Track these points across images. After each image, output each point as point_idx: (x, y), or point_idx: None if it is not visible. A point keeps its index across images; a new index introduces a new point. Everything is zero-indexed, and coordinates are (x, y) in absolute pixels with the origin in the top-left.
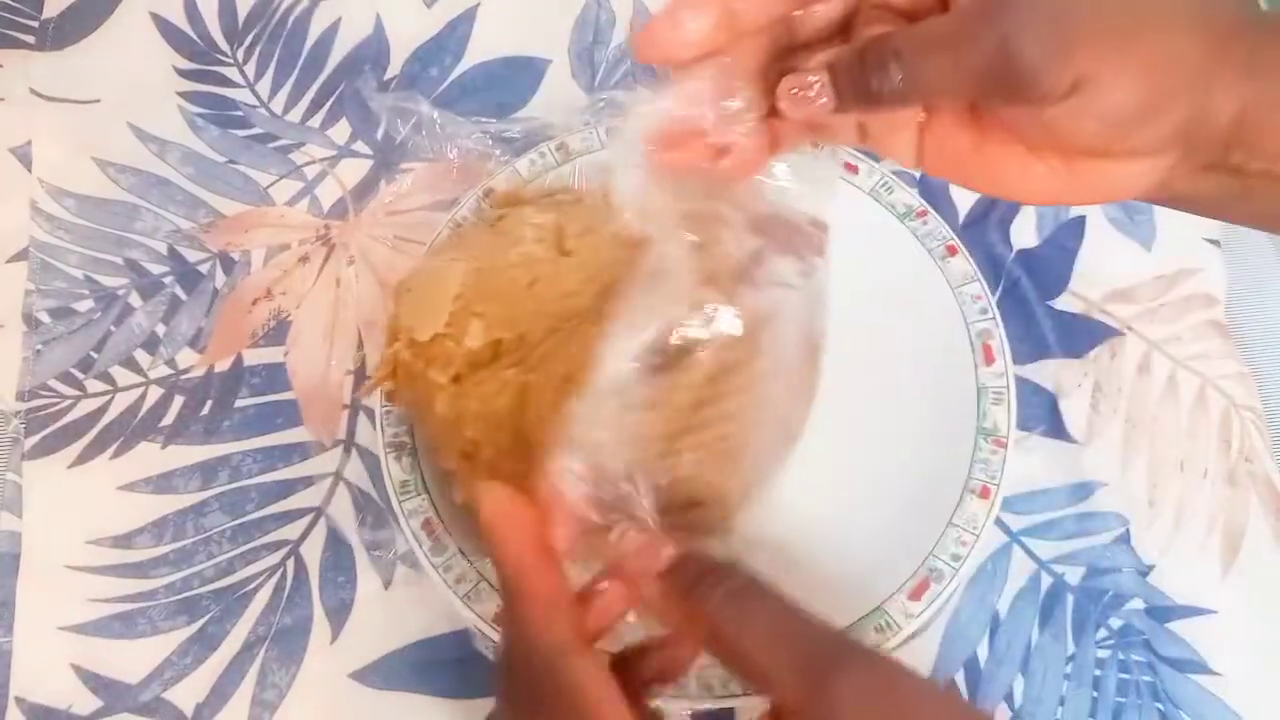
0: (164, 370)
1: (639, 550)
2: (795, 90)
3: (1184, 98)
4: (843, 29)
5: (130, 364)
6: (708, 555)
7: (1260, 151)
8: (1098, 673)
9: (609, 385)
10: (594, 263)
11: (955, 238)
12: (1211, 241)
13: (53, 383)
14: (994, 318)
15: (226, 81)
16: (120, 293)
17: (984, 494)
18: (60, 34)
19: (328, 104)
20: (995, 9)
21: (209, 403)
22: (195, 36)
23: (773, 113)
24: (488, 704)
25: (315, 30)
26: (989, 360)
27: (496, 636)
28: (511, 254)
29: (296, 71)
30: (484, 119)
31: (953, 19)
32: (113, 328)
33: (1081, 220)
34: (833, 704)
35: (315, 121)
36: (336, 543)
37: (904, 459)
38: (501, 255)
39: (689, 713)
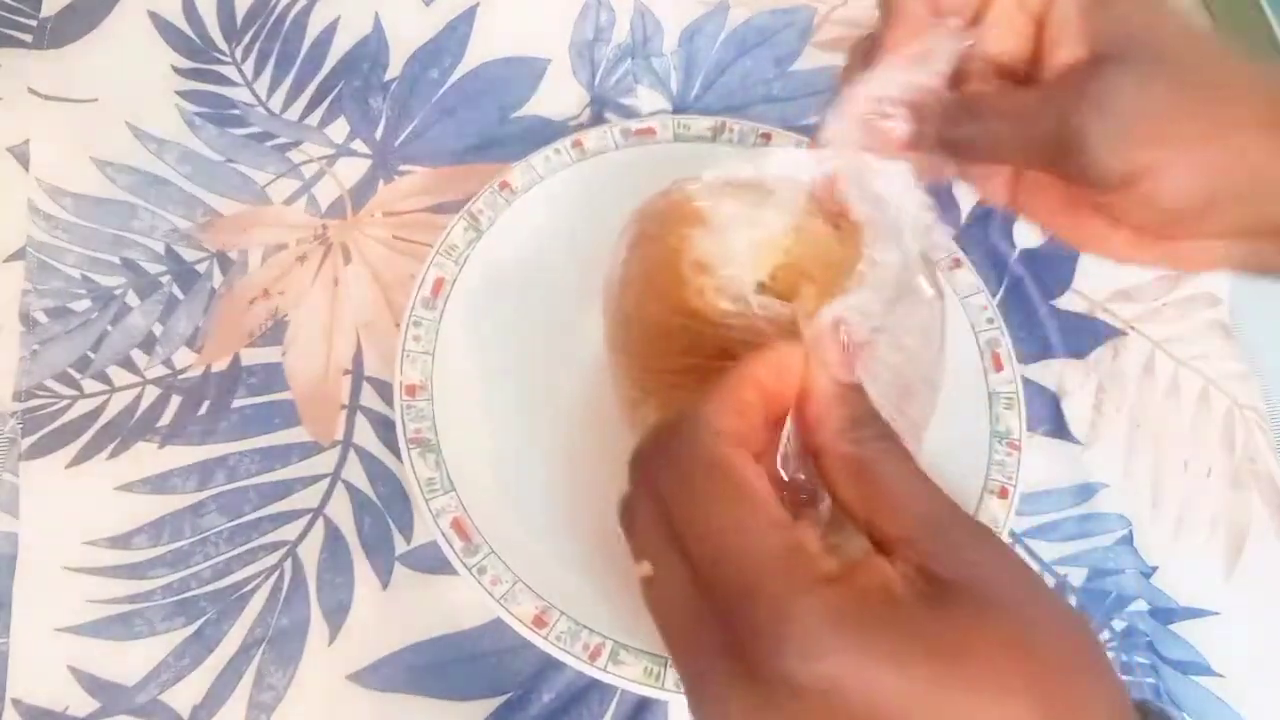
0: (161, 370)
1: (840, 358)
2: (874, 117)
3: (1246, 199)
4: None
5: (127, 364)
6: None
7: None
8: None
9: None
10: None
11: (960, 251)
12: None
13: (50, 383)
14: (1000, 327)
15: (224, 80)
16: (117, 292)
17: (1003, 494)
18: (58, 33)
19: (326, 102)
20: (1072, 96)
21: (206, 403)
22: (193, 35)
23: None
24: (487, 705)
25: (313, 29)
26: (998, 367)
27: (534, 636)
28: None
29: (295, 70)
30: None
31: (1034, 96)
32: (110, 327)
33: None
34: (967, 568)
35: (313, 120)
36: (334, 544)
37: (926, 464)
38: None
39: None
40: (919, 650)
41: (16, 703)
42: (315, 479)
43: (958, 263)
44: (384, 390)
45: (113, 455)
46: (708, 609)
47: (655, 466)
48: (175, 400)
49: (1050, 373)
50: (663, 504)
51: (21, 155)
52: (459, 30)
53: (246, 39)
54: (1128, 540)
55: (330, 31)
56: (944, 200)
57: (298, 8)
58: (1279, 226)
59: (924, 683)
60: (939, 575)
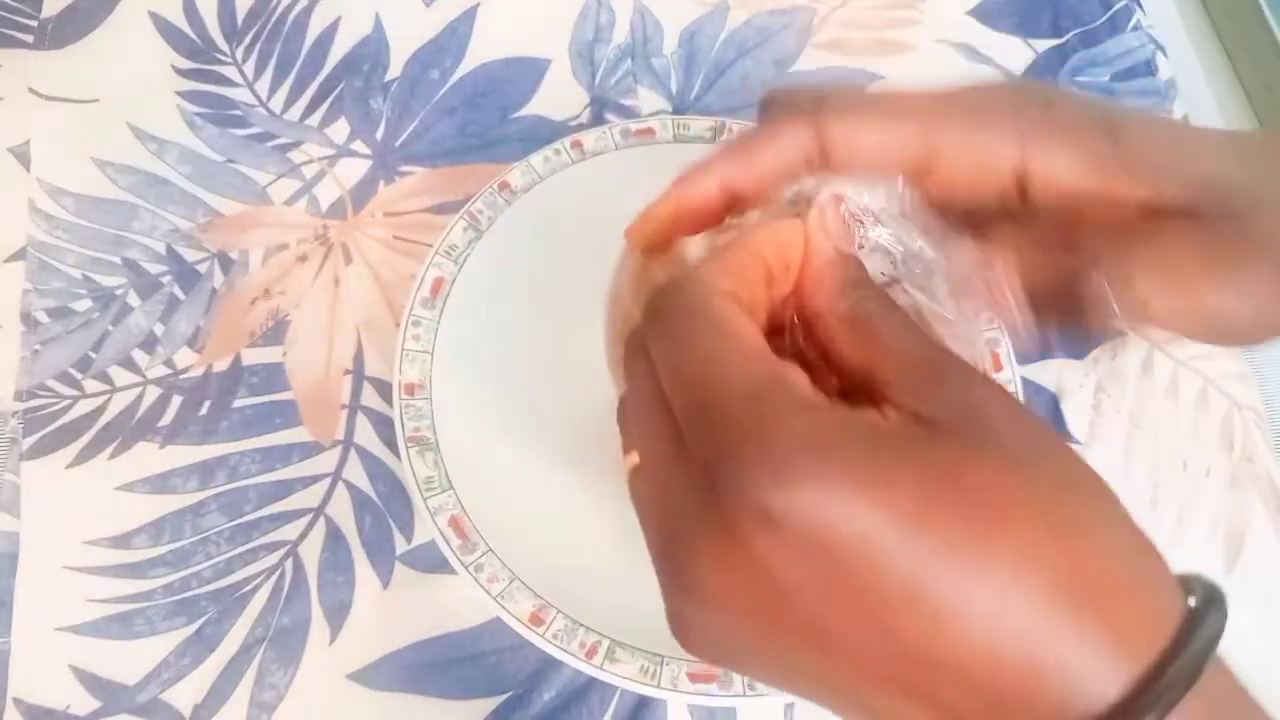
0: (162, 370)
1: (836, 225)
2: (994, 299)
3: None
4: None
5: (128, 364)
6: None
7: None
8: None
9: None
10: None
11: None
12: None
13: (50, 382)
14: (1000, 327)
15: (225, 80)
16: (118, 292)
17: None
18: (59, 33)
19: (326, 103)
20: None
21: (207, 403)
22: (194, 36)
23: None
24: (488, 704)
25: (314, 29)
26: (998, 367)
27: (530, 634)
28: None
29: (295, 70)
30: None
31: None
32: (110, 327)
33: None
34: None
35: (314, 120)
36: (335, 543)
37: None
38: None
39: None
40: (906, 477)
41: (18, 702)
42: (316, 479)
43: None
44: (385, 390)
45: (114, 455)
46: (685, 462)
47: (646, 326)
48: (176, 400)
49: (1049, 373)
50: (651, 362)
51: (22, 155)
52: (459, 30)
53: (247, 39)
54: None
55: (331, 32)
56: None
57: (298, 8)
58: None
59: (912, 507)
60: (934, 418)
